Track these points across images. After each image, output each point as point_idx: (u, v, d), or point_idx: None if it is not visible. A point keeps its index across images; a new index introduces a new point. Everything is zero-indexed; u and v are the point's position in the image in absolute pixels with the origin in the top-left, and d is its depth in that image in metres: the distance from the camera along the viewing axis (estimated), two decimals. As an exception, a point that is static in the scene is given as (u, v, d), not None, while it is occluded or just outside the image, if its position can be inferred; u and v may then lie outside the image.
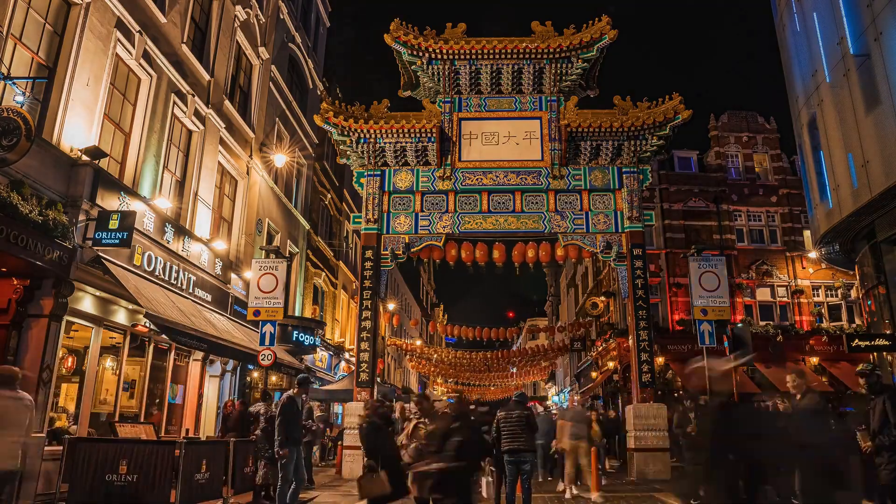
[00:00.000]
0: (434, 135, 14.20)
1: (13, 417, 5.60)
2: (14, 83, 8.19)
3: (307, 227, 21.37)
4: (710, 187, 24.74)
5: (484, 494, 8.22)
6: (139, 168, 11.57)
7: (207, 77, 14.24)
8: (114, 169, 11.04)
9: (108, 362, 11.12)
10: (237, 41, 16.16)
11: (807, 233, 23.22)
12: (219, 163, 15.01)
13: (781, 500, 4.87)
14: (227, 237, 15.66)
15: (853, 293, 22.62)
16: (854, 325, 22.35)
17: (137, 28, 11.33)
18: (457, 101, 15.07)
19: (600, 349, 27.94)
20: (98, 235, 9.55)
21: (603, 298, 27.45)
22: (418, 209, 14.56)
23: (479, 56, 14.54)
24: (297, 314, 19.35)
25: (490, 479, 8.45)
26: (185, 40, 13.25)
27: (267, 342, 11.22)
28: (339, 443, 14.66)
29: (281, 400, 8.52)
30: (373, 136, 14.37)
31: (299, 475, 8.47)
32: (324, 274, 23.41)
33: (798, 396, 6.00)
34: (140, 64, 11.58)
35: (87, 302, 10.01)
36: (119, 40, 10.84)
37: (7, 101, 8.26)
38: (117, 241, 9.58)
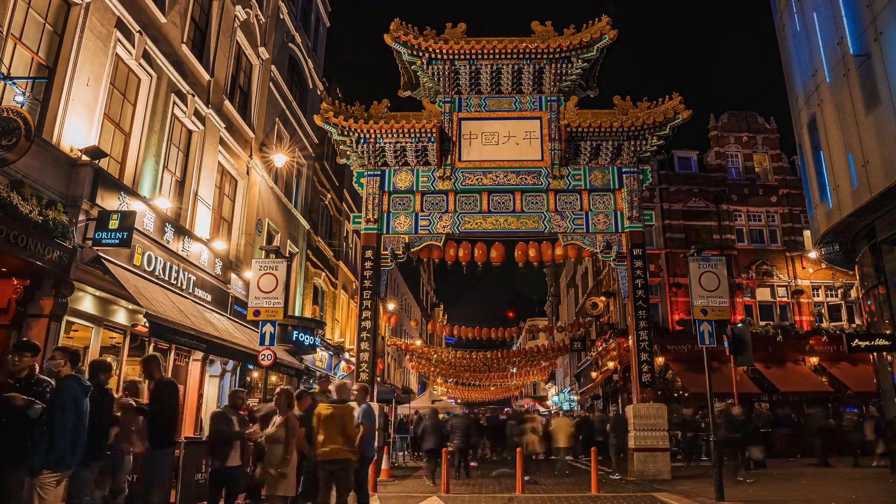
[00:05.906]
0: (434, 135, 14.20)
1: None
2: (14, 83, 8.18)
3: (307, 227, 21.37)
4: (710, 187, 24.75)
5: None
6: (139, 168, 11.57)
7: (207, 77, 14.23)
8: (114, 169, 11.03)
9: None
10: (237, 41, 16.15)
11: (807, 233, 23.23)
12: (219, 163, 15.00)
13: None
14: (227, 237, 15.66)
15: (853, 293, 22.63)
16: (854, 325, 22.37)
17: (137, 28, 11.33)
18: (457, 101, 15.07)
19: (600, 349, 27.94)
20: (98, 235, 9.54)
21: (603, 298, 27.46)
22: (418, 209, 14.56)
23: (479, 56, 14.54)
24: (297, 314, 19.34)
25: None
26: (185, 40, 13.24)
27: (267, 342, 11.18)
28: None
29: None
30: (373, 136, 14.37)
31: None
32: (324, 274, 23.40)
33: None
34: (140, 64, 11.57)
35: (87, 302, 10.00)
36: (119, 40, 10.83)
37: (7, 101, 8.26)
38: (117, 241, 9.57)
